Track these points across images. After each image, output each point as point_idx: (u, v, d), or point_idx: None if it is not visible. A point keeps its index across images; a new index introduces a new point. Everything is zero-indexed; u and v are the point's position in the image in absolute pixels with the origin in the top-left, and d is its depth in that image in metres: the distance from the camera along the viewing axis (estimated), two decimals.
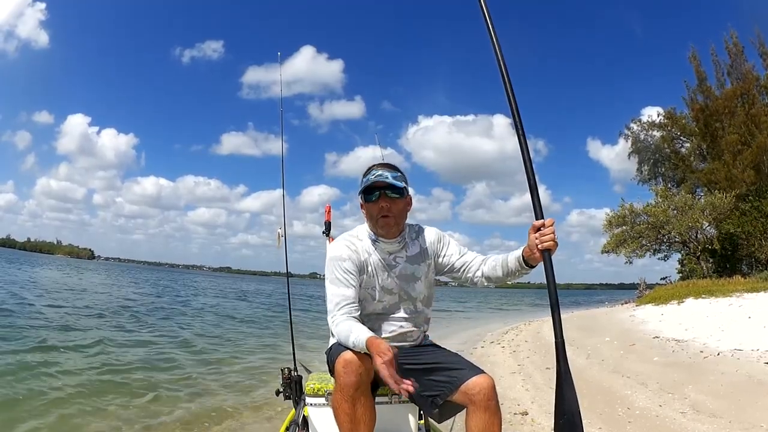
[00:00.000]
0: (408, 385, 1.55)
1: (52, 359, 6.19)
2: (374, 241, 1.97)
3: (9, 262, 42.61)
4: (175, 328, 11.05)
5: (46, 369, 5.63)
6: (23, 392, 4.68)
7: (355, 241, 1.97)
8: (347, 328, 1.76)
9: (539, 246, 1.71)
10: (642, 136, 25.88)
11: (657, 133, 25.31)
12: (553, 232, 1.70)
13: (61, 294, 16.68)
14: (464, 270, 2.01)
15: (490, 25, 1.79)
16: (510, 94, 1.74)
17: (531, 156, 1.74)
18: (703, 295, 13.49)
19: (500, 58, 1.77)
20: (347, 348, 1.74)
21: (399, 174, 1.95)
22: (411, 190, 2.02)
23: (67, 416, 4.18)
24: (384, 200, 1.90)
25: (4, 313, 9.73)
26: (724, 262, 21.40)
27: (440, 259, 2.04)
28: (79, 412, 4.29)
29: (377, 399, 1.88)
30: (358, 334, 1.71)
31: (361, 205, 1.99)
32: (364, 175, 1.97)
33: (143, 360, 6.81)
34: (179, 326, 11.34)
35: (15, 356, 6.13)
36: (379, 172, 1.91)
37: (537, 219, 1.72)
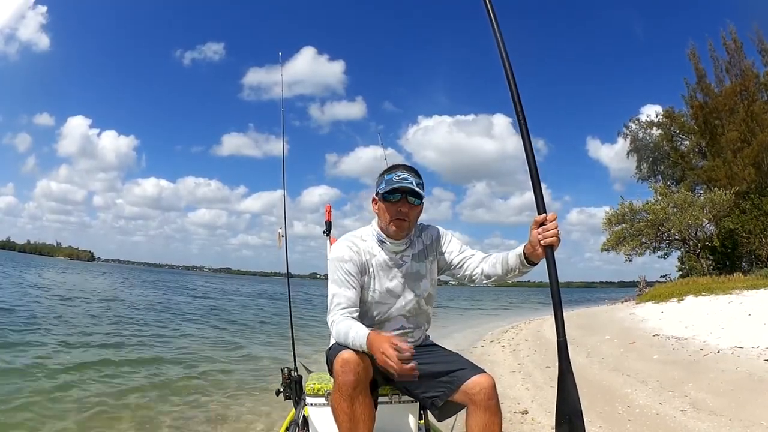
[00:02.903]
0: (411, 366, 1.57)
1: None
2: (381, 242, 1.95)
3: (23, 265, 42.43)
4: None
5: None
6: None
7: (358, 242, 1.96)
8: (346, 326, 1.76)
9: (542, 242, 1.68)
10: (641, 135, 25.92)
11: (656, 132, 25.34)
12: (557, 227, 1.67)
13: (109, 301, 16.13)
14: (463, 267, 1.99)
15: (490, 11, 1.75)
16: (512, 85, 1.70)
17: (533, 149, 1.68)
18: (703, 293, 13.47)
19: (501, 43, 1.73)
20: (346, 347, 1.74)
21: (421, 182, 1.92)
22: None
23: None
24: (404, 204, 1.88)
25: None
26: (724, 260, 21.40)
27: (441, 256, 2.03)
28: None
29: (378, 399, 1.88)
30: (358, 331, 1.71)
31: (375, 201, 1.96)
32: (387, 172, 1.93)
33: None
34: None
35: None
36: (405, 176, 1.88)
37: (539, 214, 1.69)
